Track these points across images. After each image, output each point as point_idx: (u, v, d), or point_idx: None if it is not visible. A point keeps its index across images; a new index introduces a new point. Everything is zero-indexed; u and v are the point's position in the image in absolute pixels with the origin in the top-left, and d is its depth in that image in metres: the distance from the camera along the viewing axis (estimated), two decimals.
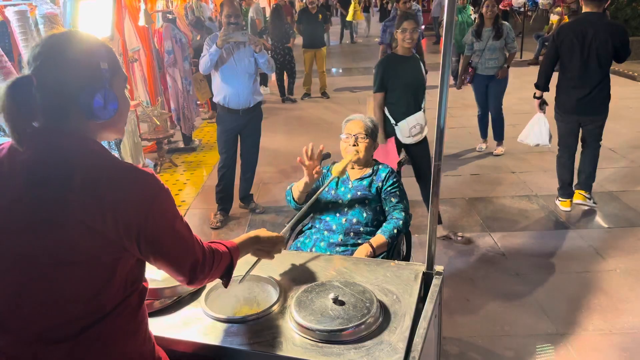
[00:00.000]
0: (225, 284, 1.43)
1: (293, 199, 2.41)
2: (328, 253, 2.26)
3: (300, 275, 1.70)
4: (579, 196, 4.14)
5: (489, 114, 5.57)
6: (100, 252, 1.08)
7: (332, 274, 1.68)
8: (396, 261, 1.74)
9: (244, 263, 1.56)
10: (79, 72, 1.09)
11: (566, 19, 10.39)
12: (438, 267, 1.68)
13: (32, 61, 1.09)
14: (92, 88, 1.09)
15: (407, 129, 3.53)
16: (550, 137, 4.29)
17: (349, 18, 14.22)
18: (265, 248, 1.61)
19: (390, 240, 2.26)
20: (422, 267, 1.68)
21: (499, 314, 2.92)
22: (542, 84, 4.08)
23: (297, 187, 2.37)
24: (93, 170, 1.08)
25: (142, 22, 5.69)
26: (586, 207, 4.15)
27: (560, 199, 4.21)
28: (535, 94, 4.18)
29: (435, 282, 1.61)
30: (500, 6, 13.31)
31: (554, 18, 10.64)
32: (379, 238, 2.24)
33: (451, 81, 7.12)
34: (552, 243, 3.67)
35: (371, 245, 2.20)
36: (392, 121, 3.61)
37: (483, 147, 5.72)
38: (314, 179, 2.30)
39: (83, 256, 1.08)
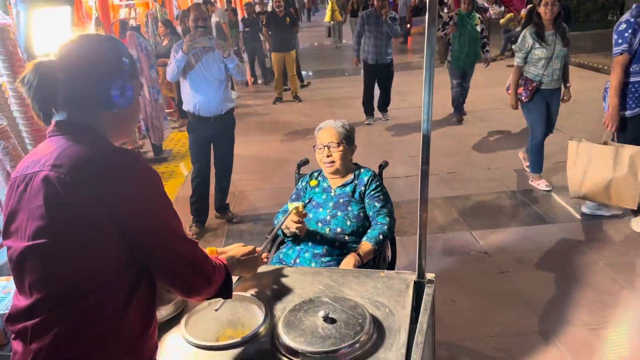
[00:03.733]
0: (228, 296, 1.34)
1: (283, 233, 2.31)
2: (313, 264, 2.18)
3: (286, 292, 1.60)
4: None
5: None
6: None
7: (320, 289, 1.59)
8: (386, 271, 1.67)
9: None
10: (100, 60, 1.16)
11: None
12: (429, 275, 1.61)
13: (58, 51, 1.16)
14: (111, 78, 1.15)
15: None
16: None
17: (326, 19, 13.69)
18: (246, 265, 1.59)
19: (377, 247, 2.18)
20: (413, 276, 1.61)
21: (486, 314, 2.88)
22: None
23: (289, 227, 2.22)
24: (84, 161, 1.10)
25: (92, 30, 5.44)
26: (564, 201, 4.18)
27: None
28: None
29: (428, 291, 1.54)
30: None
31: (523, 13, 10.82)
32: (365, 246, 2.17)
33: (449, 117, 6.78)
34: (533, 238, 3.66)
35: (358, 255, 2.12)
36: None
37: (544, 186, 4.45)
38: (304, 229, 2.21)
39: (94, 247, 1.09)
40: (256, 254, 1.65)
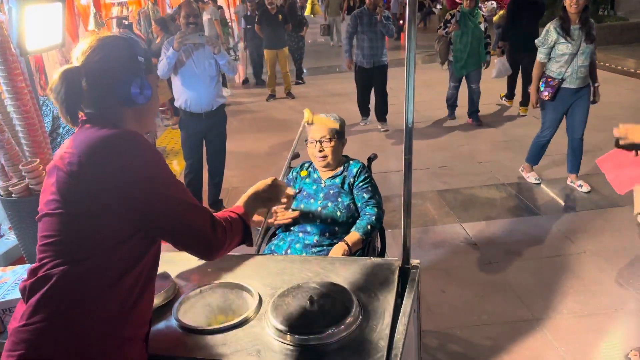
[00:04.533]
0: (251, 243, 1.43)
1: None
2: (304, 255, 2.22)
3: (275, 279, 1.64)
4: None
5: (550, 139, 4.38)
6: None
7: (308, 276, 1.63)
8: (372, 258, 1.71)
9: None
10: (119, 63, 1.26)
11: None
12: (414, 261, 1.65)
13: (80, 55, 1.25)
14: (130, 77, 1.25)
15: None
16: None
17: (306, 12, 13.03)
18: (268, 196, 1.58)
19: (365, 237, 2.23)
20: (399, 262, 1.66)
21: (475, 304, 2.93)
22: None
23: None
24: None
25: (91, 26, 5.46)
26: (552, 193, 4.24)
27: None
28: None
29: (412, 276, 1.59)
30: (458, 0, 13.51)
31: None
32: (354, 235, 2.21)
33: (443, 114, 6.67)
34: (522, 230, 3.72)
35: (347, 244, 2.16)
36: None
37: (533, 178, 4.47)
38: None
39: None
40: (277, 184, 1.62)
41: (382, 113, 6.49)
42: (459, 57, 6.05)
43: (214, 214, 1.31)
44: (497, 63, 6.45)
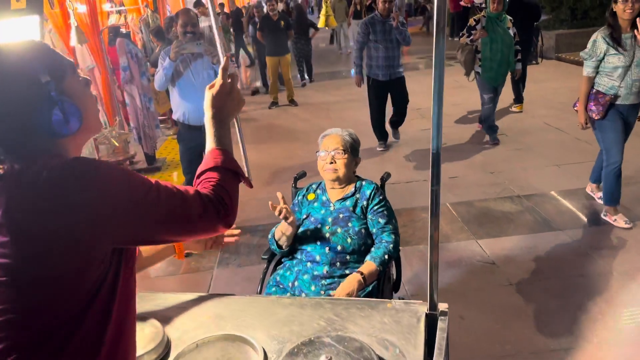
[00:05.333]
0: (249, 184, 1.30)
1: (278, 245, 2.18)
2: (313, 287, 2.02)
3: (283, 330, 1.43)
4: None
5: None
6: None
7: (321, 325, 1.42)
8: (393, 301, 1.50)
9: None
10: (16, 94, 0.94)
11: None
12: (442, 305, 1.44)
13: None
14: (41, 107, 0.94)
15: None
16: None
17: (320, 24, 11.65)
18: (231, 99, 1.29)
19: (382, 268, 2.02)
20: (424, 307, 1.45)
21: (497, 331, 2.71)
22: None
23: (283, 232, 2.13)
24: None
25: (73, 41, 4.85)
26: (571, 206, 4.02)
27: None
28: None
29: (441, 325, 1.38)
30: (461, 3, 13.32)
31: None
32: (369, 266, 2.01)
33: (450, 119, 6.32)
34: (542, 247, 3.50)
35: (362, 275, 1.96)
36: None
37: (622, 222, 3.64)
38: (295, 222, 2.06)
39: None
40: (229, 75, 1.30)
41: (396, 122, 5.88)
42: (489, 66, 5.31)
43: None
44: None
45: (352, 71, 5.63)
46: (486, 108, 5.58)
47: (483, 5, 13.63)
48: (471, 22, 5.38)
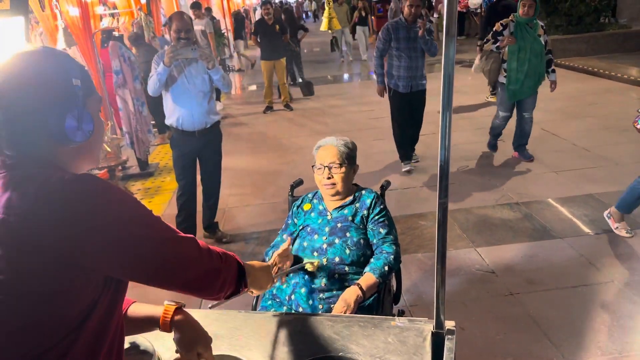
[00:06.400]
0: (244, 285, 1.25)
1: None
2: (310, 302, 1.94)
3: (280, 350, 1.36)
4: None
5: None
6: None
7: (321, 345, 1.35)
8: (397, 319, 1.43)
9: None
10: (47, 88, 0.96)
11: None
12: (448, 324, 1.37)
13: None
14: (63, 107, 0.96)
15: None
16: None
17: (323, 28, 11.90)
18: (260, 276, 1.36)
19: (382, 280, 1.95)
20: (429, 326, 1.38)
21: (499, 343, 2.65)
22: None
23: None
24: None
25: (61, 44, 4.78)
26: (570, 214, 3.97)
27: None
28: None
29: (449, 344, 1.31)
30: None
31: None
32: (369, 278, 1.93)
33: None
34: (542, 255, 3.45)
35: (360, 288, 1.88)
36: None
37: (624, 231, 3.56)
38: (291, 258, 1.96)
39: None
40: (271, 270, 1.44)
41: (411, 142, 5.33)
42: (515, 78, 4.78)
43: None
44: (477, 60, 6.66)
45: (375, 80, 5.11)
46: (497, 123, 5.23)
47: (478, 10, 13.62)
48: (497, 27, 4.83)
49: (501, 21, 4.82)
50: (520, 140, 5.18)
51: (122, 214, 0.96)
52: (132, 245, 0.96)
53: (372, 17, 14.40)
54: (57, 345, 0.92)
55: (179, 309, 1.27)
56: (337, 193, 2.17)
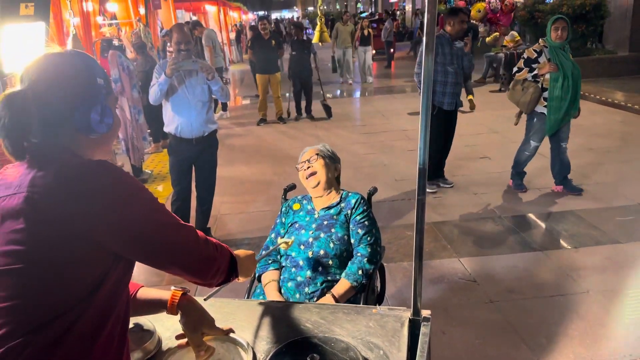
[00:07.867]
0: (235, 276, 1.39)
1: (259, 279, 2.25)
2: (297, 295, 2.06)
3: (271, 331, 1.48)
4: None
5: None
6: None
7: (307, 327, 1.47)
8: (378, 307, 1.56)
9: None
10: (76, 86, 1.10)
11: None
12: (425, 312, 1.50)
13: (26, 77, 1.09)
14: (89, 102, 1.10)
15: None
16: None
17: (314, 40, 11.35)
18: (245, 265, 1.47)
19: (356, 284, 2.07)
20: (407, 314, 1.50)
21: (478, 347, 2.77)
22: None
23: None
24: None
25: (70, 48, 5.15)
26: (550, 228, 4.13)
27: None
28: None
29: (424, 330, 1.43)
30: None
31: (507, 39, 10.99)
32: (343, 285, 2.06)
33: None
34: (522, 266, 3.59)
35: (333, 296, 2.02)
36: None
37: None
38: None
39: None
40: (255, 257, 1.56)
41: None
42: (557, 106, 4.40)
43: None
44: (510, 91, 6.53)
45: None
46: (526, 155, 4.85)
47: (476, 23, 13.76)
48: (530, 53, 4.47)
49: (533, 47, 4.53)
50: (564, 172, 4.77)
51: (132, 196, 1.08)
52: (138, 225, 1.08)
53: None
54: (67, 312, 1.02)
55: (184, 294, 1.38)
56: (318, 184, 2.29)
